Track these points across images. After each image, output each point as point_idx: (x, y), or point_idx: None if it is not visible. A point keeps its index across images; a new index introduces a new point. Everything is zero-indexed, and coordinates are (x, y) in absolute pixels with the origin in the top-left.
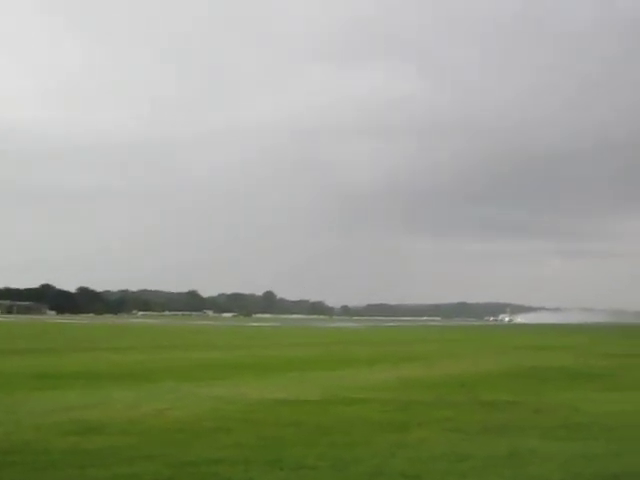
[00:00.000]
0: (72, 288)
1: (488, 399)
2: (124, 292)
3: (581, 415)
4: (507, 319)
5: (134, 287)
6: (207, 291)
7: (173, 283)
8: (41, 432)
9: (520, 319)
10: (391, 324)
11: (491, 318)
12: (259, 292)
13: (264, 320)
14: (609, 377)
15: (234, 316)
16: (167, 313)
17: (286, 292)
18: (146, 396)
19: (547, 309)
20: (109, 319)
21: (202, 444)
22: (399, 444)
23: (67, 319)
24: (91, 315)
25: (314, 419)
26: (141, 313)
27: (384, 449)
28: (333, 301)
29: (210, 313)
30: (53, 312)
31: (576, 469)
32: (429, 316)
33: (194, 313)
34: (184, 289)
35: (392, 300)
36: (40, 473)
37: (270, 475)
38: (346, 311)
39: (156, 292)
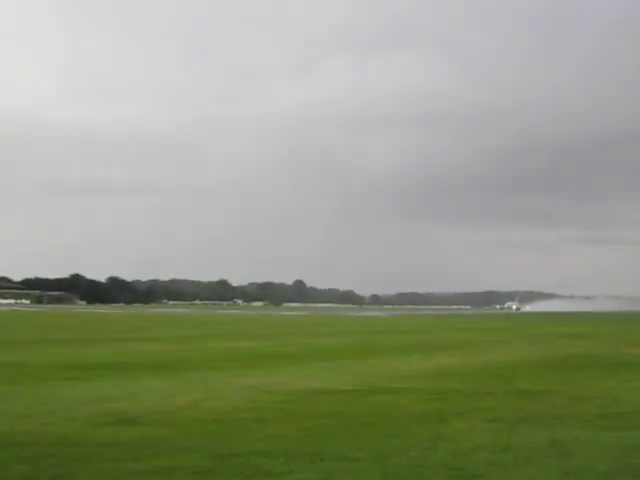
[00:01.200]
0: (102, 278)
1: (525, 388)
2: (154, 282)
3: (621, 404)
4: (515, 307)
5: (164, 277)
6: (237, 280)
7: (203, 273)
8: (76, 424)
9: (529, 307)
10: (421, 313)
11: (497, 306)
12: (289, 281)
13: (294, 309)
14: None
15: (264, 305)
16: (197, 302)
17: (316, 281)
18: (179, 386)
19: (577, 296)
20: (139, 309)
21: (240, 435)
22: (439, 435)
23: (97, 309)
24: (121, 305)
25: (351, 409)
26: (171, 302)
27: (424, 440)
28: (363, 290)
29: (240, 302)
30: (83, 302)
31: (623, 460)
32: (458, 305)
33: (224, 302)
34: (214, 278)
35: (422, 289)
36: (78, 466)
37: (311, 467)
38: (376, 300)
39: (186, 281)
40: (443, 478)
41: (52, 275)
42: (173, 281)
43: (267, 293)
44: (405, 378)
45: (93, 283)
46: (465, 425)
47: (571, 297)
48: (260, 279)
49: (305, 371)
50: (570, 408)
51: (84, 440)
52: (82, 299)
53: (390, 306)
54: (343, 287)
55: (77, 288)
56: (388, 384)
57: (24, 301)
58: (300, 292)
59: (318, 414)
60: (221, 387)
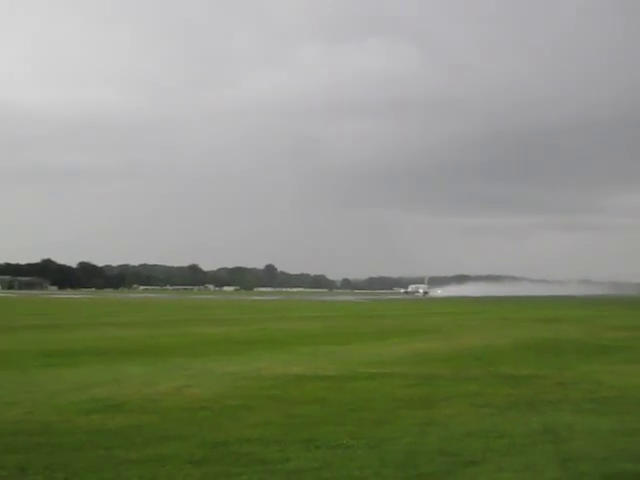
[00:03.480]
0: (73, 263)
1: (509, 373)
2: (124, 267)
3: (606, 389)
4: (422, 291)
5: (135, 262)
6: (208, 265)
7: (174, 258)
8: (62, 411)
9: (441, 291)
10: (393, 297)
11: (401, 290)
12: (260, 266)
13: (266, 294)
14: (625, 350)
15: (235, 290)
16: (168, 287)
17: (287, 266)
18: (160, 373)
19: (548, 281)
20: (110, 294)
21: (228, 423)
22: (429, 421)
23: (69, 294)
24: (92, 290)
25: (337, 395)
26: (142, 287)
27: (414, 426)
28: (334, 275)
29: (211, 287)
30: (54, 287)
31: (619, 445)
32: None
33: (195, 287)
34: (185, 264)
35: (393, 273)
36: (68, 454)
37: (307, 455)
38: (347, 284)
39: (157, 267)
40: (440, 464)
41: (22, 260)
42: (144, 266)
43: (238, 278)
44: (386, 363)
45: (64, 268)
46: (454, 410)
47: (543, 281)
48: (231, 264)
49: (284, 356)
50: (557, 393)
51: (72, 428)
52: (53, 284)
53: (361, 290)
54: (314, 272)
55: (48, 273)
56: (370, 369)
57: None
58: (271, 277)
59: (304, 400)
60: (203, 373)
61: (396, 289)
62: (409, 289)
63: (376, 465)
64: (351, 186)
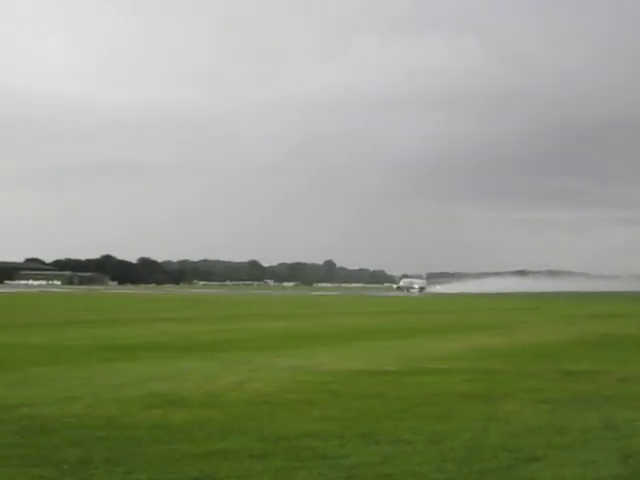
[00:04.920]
0: (133, 259)
1: (569, 368)
2: (184, 262)
3: None
4: (417, 286)
5: (195, 257)
6: (268, 261)
7: (234, 253)
8: (122, 406)
9: (439, 287)
10: (450, 292)
11: (394, 286)
12: (319, 261)
13: (325, 289)
14: None
15: (295, 285)
16: (228, 283)
17: (346, 261)
18: (220, 367)
19: (606, 276)
20: (170, 289)
21: (289, 417)
22: (489, 416)
23: (129, 289)
24: (152, 285)
25: (397, 390)
26: (202, 283)
27: (475, 422)
28: (393, 270)
29: (271, 283)
30: (114, 283)
31: None
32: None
33: (255, 283)
34: (245, 259)
35: (451, 268)
36: (131, 448)
37: (366, 449)
38: None
39: (217, 262)
40: (502, 460)
41: (83, 256)
42: (204, 262)
43: (297, 273)
44: (446, 359)
45: (124, 264)
46: (515, 406)
47: (602, 277)
48: (290, 259)
49: (344, 351)
50: (618, 389)
51: (134, 422)
52: (113, 280)
53: None
54: (373, 267)
55: (108, 269)
56: (430, 365)
57: (55, 282)
58: (330, 272)
59: (364, 395)
60: (263, 368)
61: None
62: (401, 283)
63: (437, 460)
64: (412, 180)
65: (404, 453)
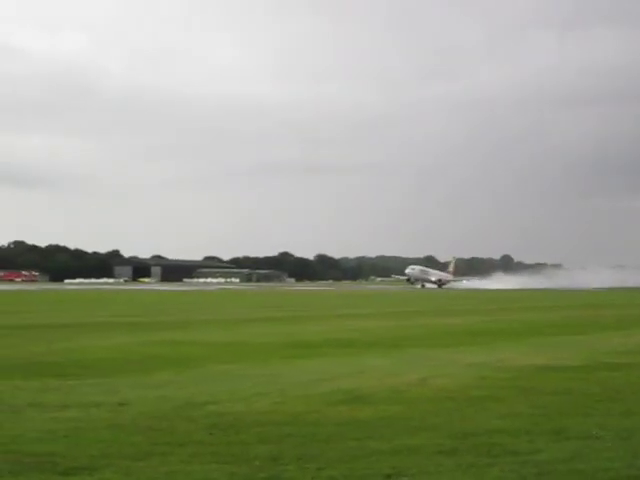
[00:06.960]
0: (310, 256)
1: None
2: (361, 259)
3: None
4: (433, 279)
5: (371, 254)
6: (444, 256)
7: (410, 249)
8: (310, 402)
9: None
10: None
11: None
12: (496, 256)
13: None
14: None
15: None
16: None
17: (524, 255)
18: (402, 364)
19: None
20: (348, 285)
21: (476, 413)
22: None
23: (306, 286)
24: (329, 282)
25: (582, 386)
26: (379, 279)
27: None
28: (572, 264)
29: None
30: (292, 279)
31: None
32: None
33: None
34: (421, 255)
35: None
36: (319, 445)
37: (556, 445)
38: None
39: (393, 258)
40: None
41: (260, 254)
42: (380, 257)
43: (474, 268)
44: (630, 353)
45: (301, 261)
46: None
47: None
48: (467, 254)
49: (524, 347)
50: None
51: (321, 419)
52: (290, 277)
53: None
54: (551, 261)
55: (285, 266)
56: (614, 359)
57: (234, 280)
58: (507, 267)
59: (550, 391)
60: (446, 364)
61: None
62: (411, 269)
63: (628, 457)
64: (583, 175)
65: (594, 449)
